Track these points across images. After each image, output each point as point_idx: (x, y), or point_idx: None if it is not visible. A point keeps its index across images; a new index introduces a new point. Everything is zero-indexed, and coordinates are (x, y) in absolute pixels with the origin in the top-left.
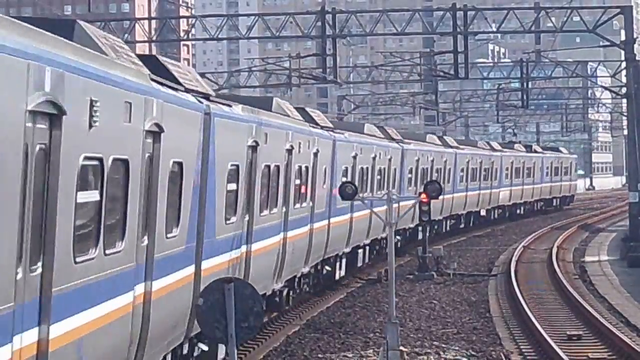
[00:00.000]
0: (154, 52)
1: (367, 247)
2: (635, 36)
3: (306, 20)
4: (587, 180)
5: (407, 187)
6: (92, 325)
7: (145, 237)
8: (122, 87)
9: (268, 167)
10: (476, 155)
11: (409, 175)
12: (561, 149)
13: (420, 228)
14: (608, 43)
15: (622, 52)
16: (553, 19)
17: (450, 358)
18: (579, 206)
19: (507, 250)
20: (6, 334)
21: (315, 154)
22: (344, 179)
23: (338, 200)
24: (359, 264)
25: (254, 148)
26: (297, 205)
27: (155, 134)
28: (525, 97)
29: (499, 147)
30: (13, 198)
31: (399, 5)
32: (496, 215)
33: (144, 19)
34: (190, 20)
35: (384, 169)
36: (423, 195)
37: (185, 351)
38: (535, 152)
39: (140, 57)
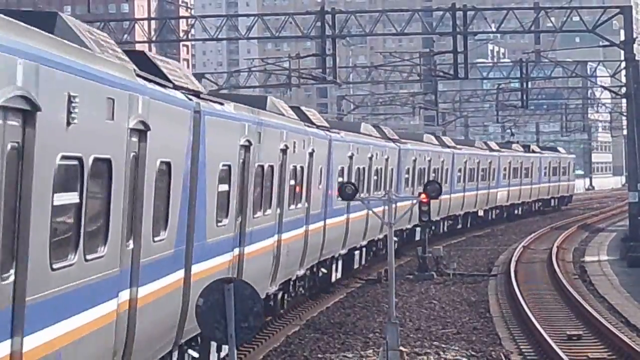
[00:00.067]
0: (153, 53)
1: (364, 249)
2: (634, 36)
3: (306, 20)
4: (587, 180)
5: (404, 188)
6: (71, 335)
7: (131, 241)
8: (104, 83)
9: (262, 167)
10: (474, 155)
11: (406, 176)
12: (559, 148)
13: (417, 229)
14: (608, 43)
15: (622, 52)
16: (553, 19)
17: (450, 358)
18: (579, 206)
19: (507, 250)
20: None
21: (311, 154)
22: (340, 180)
23: (334, 201)
24: (356, 265)
25: (246, 148)
26: (292, 207)
27: (141, 133)
28: (524, 97)
29: (497, 147)
30: None
31: (398, 5)
32: (494, 216)
33: (143, 19)
34: (189, 20)
35: (381, 169)
36: (423, 196)
37: (174, 359)
38: (533, 152)
39: (127, 52)
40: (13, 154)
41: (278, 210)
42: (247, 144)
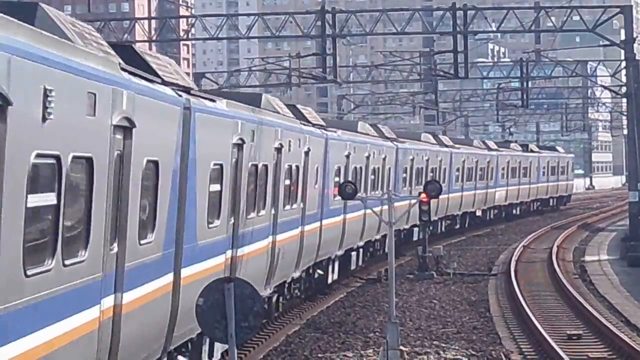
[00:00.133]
0: (154, 52)
1: (361, 250)
2: (635, 35)
3: (306, 19)
4: (587, 180)
5: (402, 187)
6: (49, 345)
7: (115, 244)
8: (84, 76)
9: (255, 166)
10: (472, 155)
11: (404, 175)
12: (558, 148)
13: (415, 229)
14: (608, 42)
15: (622, 52)
16: (553, 18)
17: (450, 357)
18: (579, 206)
19: (507, 250)
20: None
21: (307, 153)
22: (336, 179)
23: (331, 201)
24: (352, 266)
25: (239, 146)
26: (287, 207)
27: (126, 129)
28: (525, 96)
29: (495, 147)
30: None
31: (398, 4)
32: (492, 216)
33: (143, 18)
34: (190, 20)
35: (378, 168)
36: (423, 195)
37: None
38: (532, 151)
39: (114, 46)
40: None
41: (272, 211)
42: (240, 142)
